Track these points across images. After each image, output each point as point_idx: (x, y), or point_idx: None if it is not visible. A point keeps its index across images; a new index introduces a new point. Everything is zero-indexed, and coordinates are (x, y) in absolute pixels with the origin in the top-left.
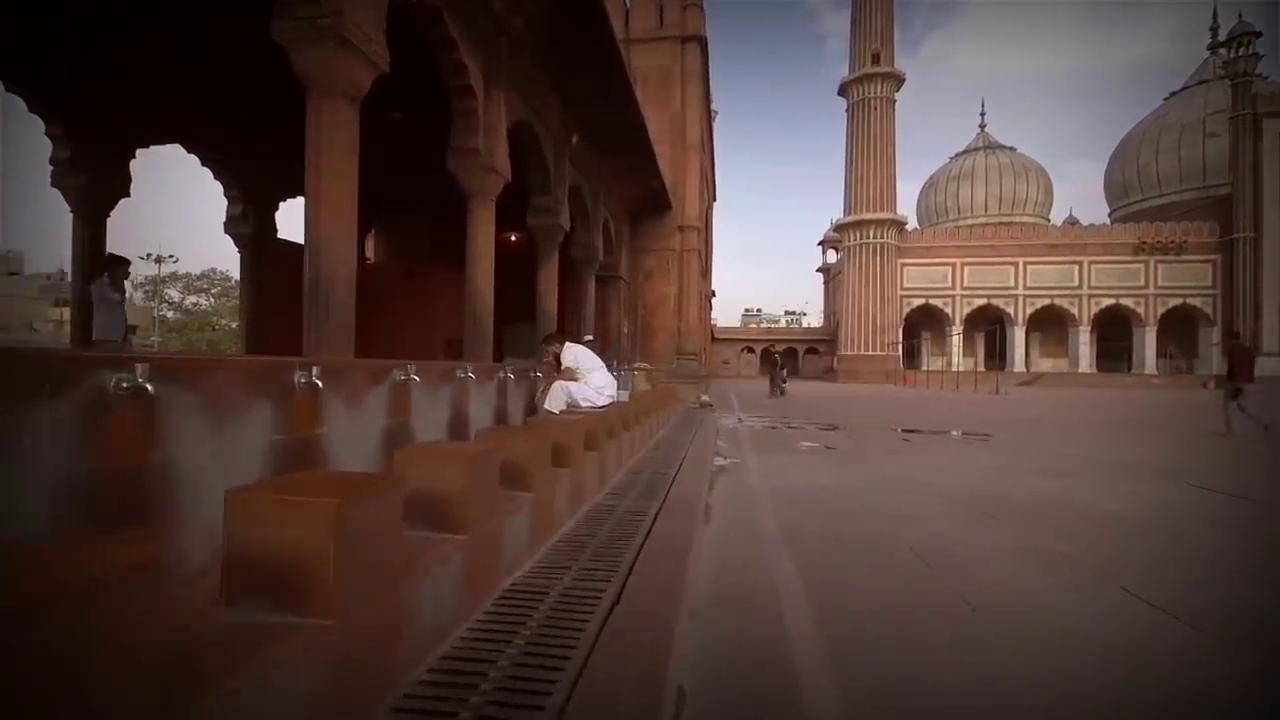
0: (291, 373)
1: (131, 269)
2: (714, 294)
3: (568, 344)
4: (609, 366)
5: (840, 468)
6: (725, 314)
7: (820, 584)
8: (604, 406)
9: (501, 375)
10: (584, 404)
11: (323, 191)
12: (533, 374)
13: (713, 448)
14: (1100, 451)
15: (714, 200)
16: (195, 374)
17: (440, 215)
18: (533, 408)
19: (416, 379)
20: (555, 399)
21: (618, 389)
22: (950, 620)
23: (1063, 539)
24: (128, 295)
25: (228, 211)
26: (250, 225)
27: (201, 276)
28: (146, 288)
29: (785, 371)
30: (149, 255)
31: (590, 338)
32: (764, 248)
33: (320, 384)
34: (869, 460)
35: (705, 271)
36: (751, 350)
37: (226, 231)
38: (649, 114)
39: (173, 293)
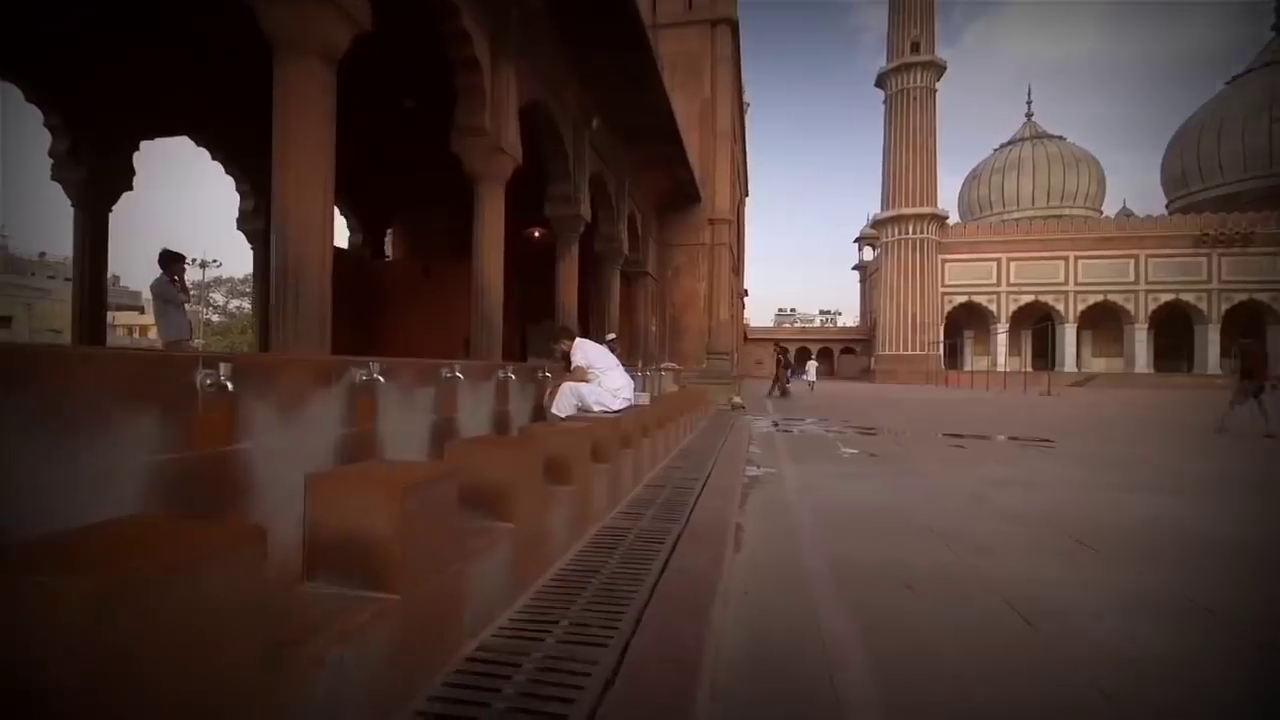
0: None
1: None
2: (746, 293)
3: (579, 340)
4: (635, 367)
5: (890, 480)
6: (758, 315)
7: (891, 655)
8: (619, 410)
9: (501, 375)
10: (596, 407)
11: (290, 163)
12: (541, 374)
13: (745, 455)
14: (1191, 464)
15: (746, 195)
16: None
17: (459, 212)
18: (541, 412)
19: (381, 379)
20: (563, 402)
21: (637, 390)
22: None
23: (1193, 583)
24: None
25: (240, 207)
26: (263, 221)
27: (244, 280)
28: (193, 292)
29: (791, 371)
30: (193, 259)
31: (613, 336)
32: (798, 248)
33: (230, 386)
34: (921, 470)
35: (737, 268)
36: (785, 350)
37: (239, 228)
38: (677, 101)
39: (218, 296)
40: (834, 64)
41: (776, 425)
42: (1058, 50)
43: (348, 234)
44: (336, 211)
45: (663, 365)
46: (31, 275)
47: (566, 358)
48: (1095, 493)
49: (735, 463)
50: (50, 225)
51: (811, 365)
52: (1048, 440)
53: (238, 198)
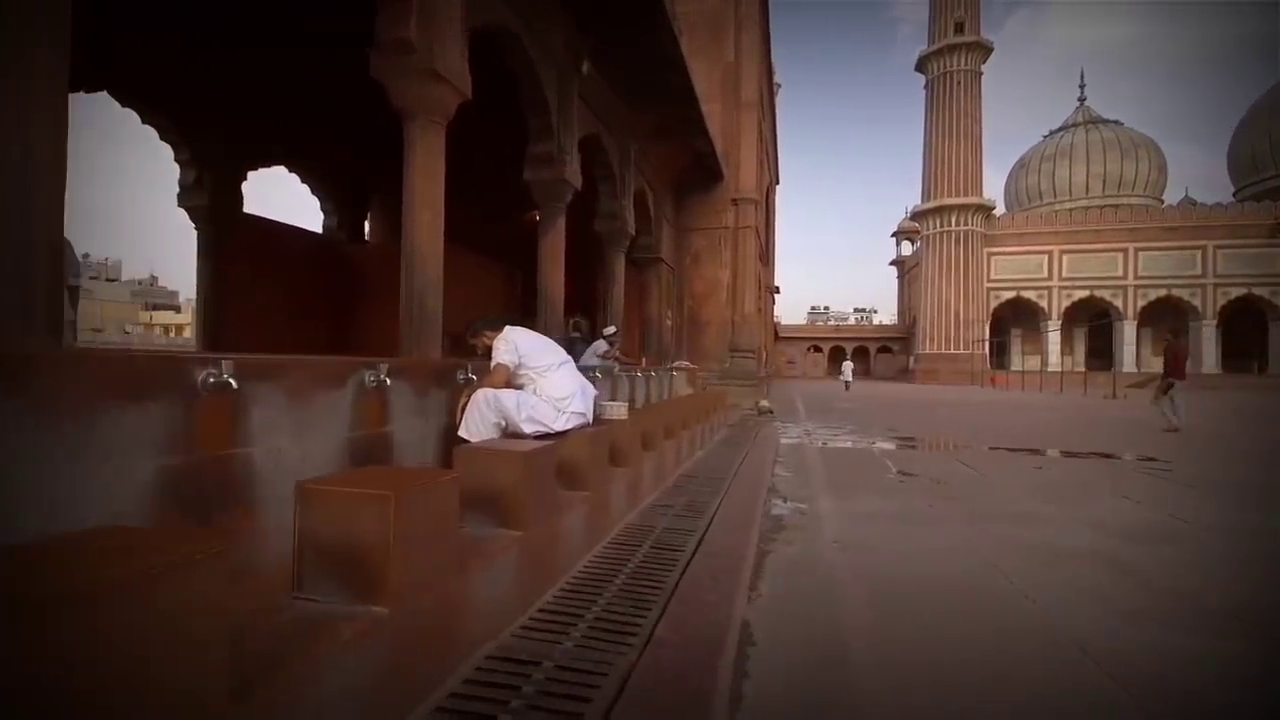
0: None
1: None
2: (778, 290)
3: (507, 330)
4: (641, 365)
5: (972, 527)
6: (790, 314)
7: None
8: (564, 431)
9: (369, 379)
10: (529, 427)
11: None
12: (463, 375)
13: (767, 482)
14: None
15: (776, 182)
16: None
17: (459, 196)
18: (454, 434)
19: None
20: (477, 419)
21: (603, 400)
22: None
23: None
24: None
25: (180, 181)
26: (207, 196)
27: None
28: None
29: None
30: None
31: (614, 330)
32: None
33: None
34: (1011, 509)
35: (765, 256)
36: (819, 349)
37: (180, 204)
38: (696, 68)
39: None
40: (869, 56)
41: (809, 434)
42: (1104, 36)
43: (322, 218)
44: (308, 192)
45: (674, 364)
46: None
47: (488, 352)
48: None
49: (751, 498)
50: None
51: (847, 365)
52: (1157, 460)
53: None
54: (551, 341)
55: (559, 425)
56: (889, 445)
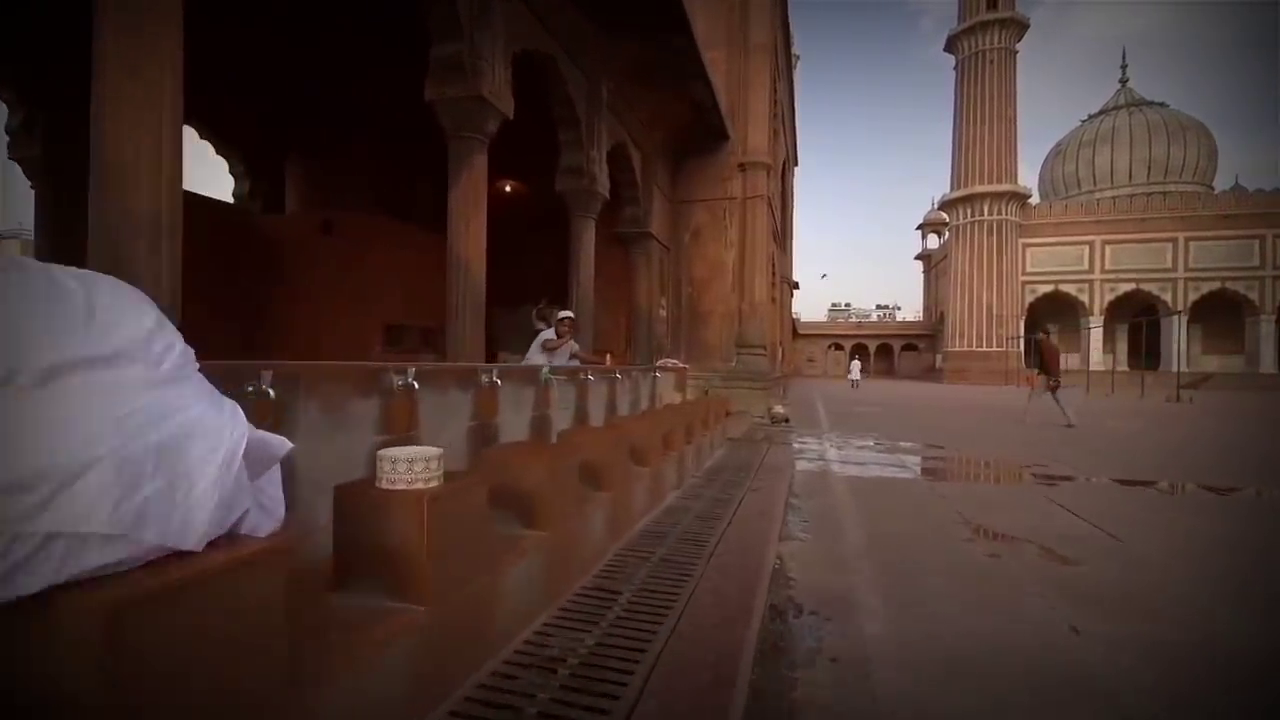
0: None
1: None
2: (796, 286)
3: None
4: (629, 363)
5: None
6: (809, 311)
7: None
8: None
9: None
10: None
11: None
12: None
13: (770, 562)
14: None
15: (795, 163)
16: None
17: (388, 149)
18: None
19: None
20: None
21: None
22: None
23: None
24: None
25: (6, 126)
26: (39, 143)
27: None
28: None
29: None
30: None
31: (567, 315)
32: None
33: None
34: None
35: (781, 238)
36: (840, 347)
37: (10, 155)
38: (696, 11)
39: None
40: (890, 47)
41: (834, 450)
42: (1144, 16)
43: (232, 184)
44: (212, 151)
45: (660, 363)
46: None
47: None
48: None
49: (733, 616)
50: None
51: (855, 365)
52: None
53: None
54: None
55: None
56: (940, 469)
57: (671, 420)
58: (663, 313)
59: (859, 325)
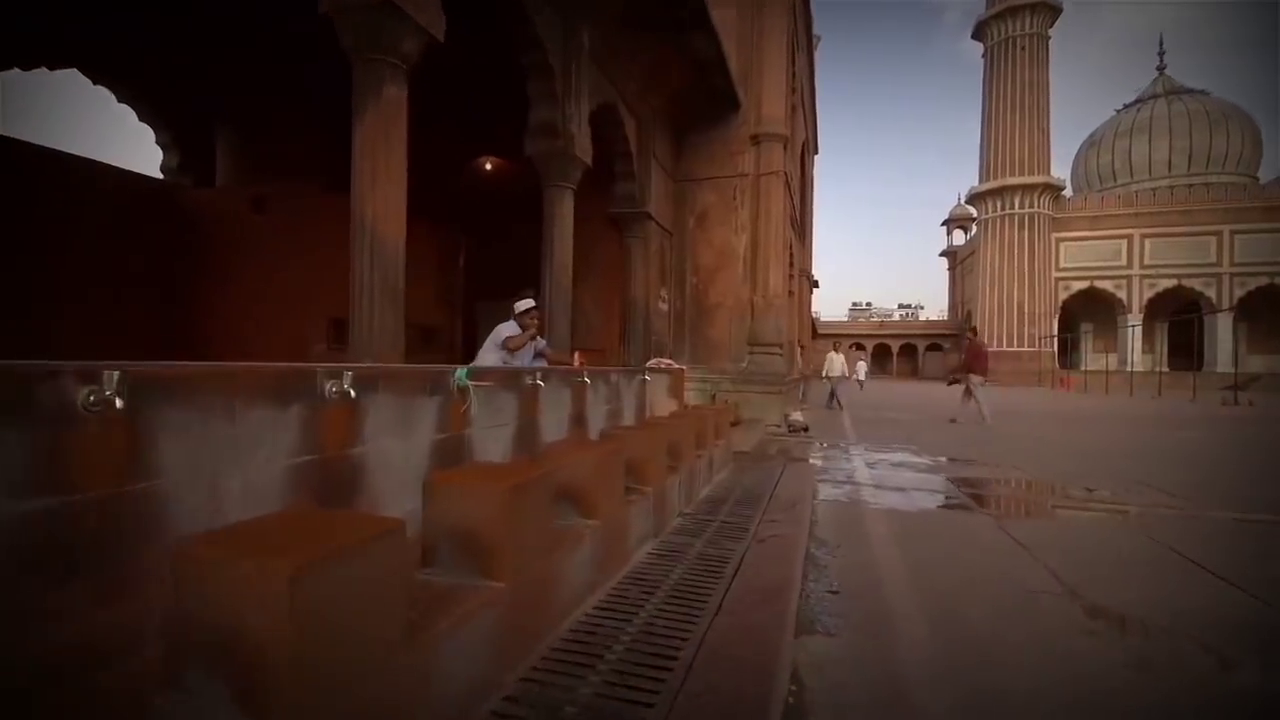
0: None
1: None
2: (816, 284)
3: None
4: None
5: None
6: (829, 310)
7: None
8: None
9: None
10: None
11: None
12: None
13: (781, 689)
14: None
15: (815, 151)
16: None
17: (332, 119)
18: None
19: None
20: None
21: None
22: None
23: None
24: None
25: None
26: None
27: None
28: None
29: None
30: None
31: (529, 302)
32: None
33: None
34: None
35: (800, 225)
36: (861, 346)
37: None
38: None
39: None
40: (913, 40)
41: (865, 469)
42: (1181, 5)
43: (161, 156)
44: (135, 118)
45: (651, 364)
46: None
47: None
48: None
49: None
50: None
51: (861, 365)
52: None
53: None
54: None
55: None
56: (1008, 502)
57: (684, 430)
58: (663, 306)
59: (881, 324)
